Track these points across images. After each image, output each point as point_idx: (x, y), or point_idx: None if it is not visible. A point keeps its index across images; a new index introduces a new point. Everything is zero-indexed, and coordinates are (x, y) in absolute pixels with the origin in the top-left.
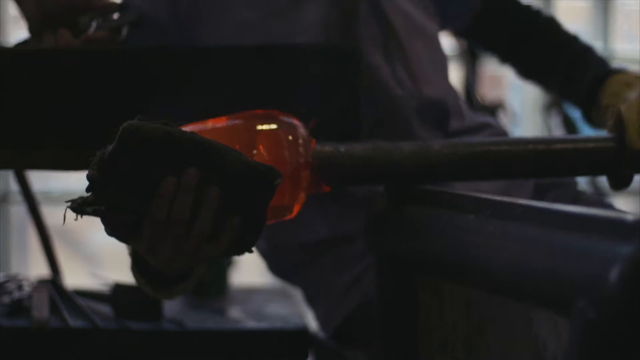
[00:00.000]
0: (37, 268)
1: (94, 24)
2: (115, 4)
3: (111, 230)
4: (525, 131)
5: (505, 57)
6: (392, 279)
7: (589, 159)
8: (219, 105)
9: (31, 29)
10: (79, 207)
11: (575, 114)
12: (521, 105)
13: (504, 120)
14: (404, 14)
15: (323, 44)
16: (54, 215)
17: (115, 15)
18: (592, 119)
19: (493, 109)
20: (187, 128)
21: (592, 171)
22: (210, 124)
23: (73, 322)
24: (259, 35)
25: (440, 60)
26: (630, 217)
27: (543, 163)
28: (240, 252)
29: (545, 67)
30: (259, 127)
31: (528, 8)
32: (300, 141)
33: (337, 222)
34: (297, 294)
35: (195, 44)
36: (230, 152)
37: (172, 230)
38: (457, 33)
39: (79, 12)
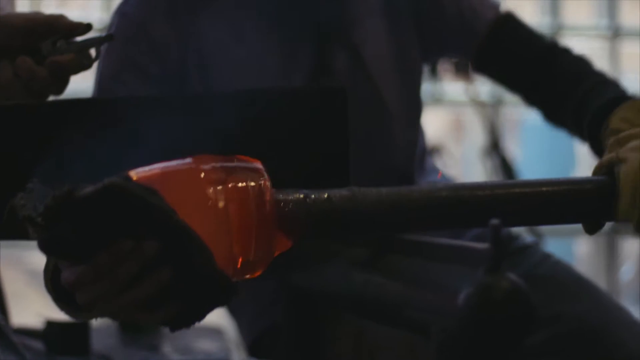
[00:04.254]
0: None
1: (57, 48)
2: (79, 24)
3: (45, 249)
4: (467, 174)
5: (527, 98)
6: (296, 307)
7: (575, 208)
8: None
9: None
10: (23, 210)
11: (514, 156)
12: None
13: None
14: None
15: (307, 86)
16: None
17: (82, 37)
18: (596, 148)
19: (431, 152)
20: (136, 172)
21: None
22: (160, 167)
23: (5, 357)
24: (254, 77)
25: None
26: (479, 247)
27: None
28: (173, 328)
29: (564, 107)
30: (221, 172)
31: (540, 40)
32: (269, 189)
33: None
34: (230, 331)
35: (183, 90)
36: (203, 249)
37: (105, 284)
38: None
39: (39, 37)
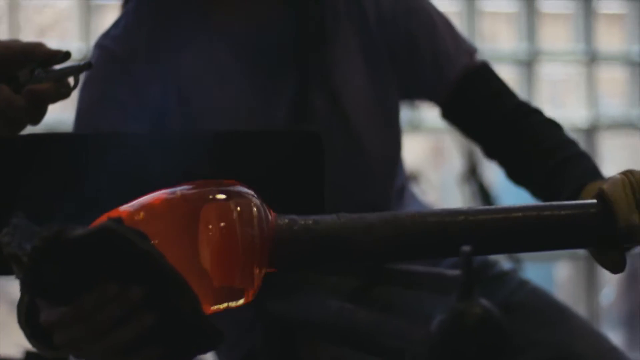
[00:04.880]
0: None
1: (35, 76)
2: (57, 52)
3: (28, 289)
4: (445, 200)
5: (489, 152)
6: (273, 334)
7: (574, 229)
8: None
9: None
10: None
11: (492, 182)
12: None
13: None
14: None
15: (284, 129)
16: None
17: (60, 64)
18: None
19: (409, 178)
20: (123, 208)
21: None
22: (147, 198)
23: None
24: (233, 116)
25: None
26: (450, 273)
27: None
28: None
29: (530, 170)
30: (206, 197)
31: (511, 97)
32: (255, 212)
33: None
34: (208, 357)
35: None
36: (190, 295)
37: (86, 326)
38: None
39: (17, 65)
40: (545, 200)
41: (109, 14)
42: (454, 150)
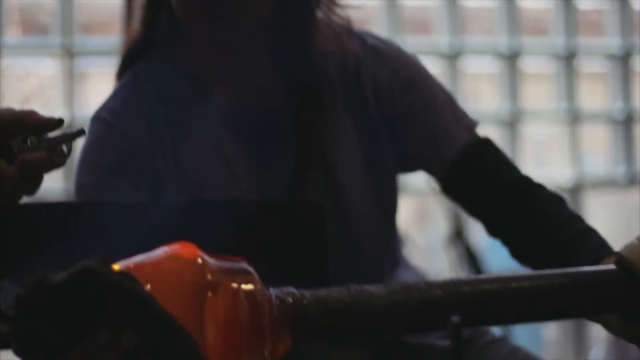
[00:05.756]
0: None
1: (28, 145)
2: (50, 120)
3: (18, 346)
4: (431, 263)
5: (491, 231)
6: None
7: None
8: None
9: None
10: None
11: (478, 244)
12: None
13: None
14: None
15: (284, 198)
16: None
17: (54, 132)
18: None
19: None
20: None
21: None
22: (144, 256)
23: None
24: (229, 189)
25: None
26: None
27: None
28: None
29: (536, 249)
30: (213, 277)
31: (512, 172)
32: (262, 294)
33: None
34: None
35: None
36: (188, 341)
37: None
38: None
39: (9, 134)
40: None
41: (93, 82)
42: (439, 212)
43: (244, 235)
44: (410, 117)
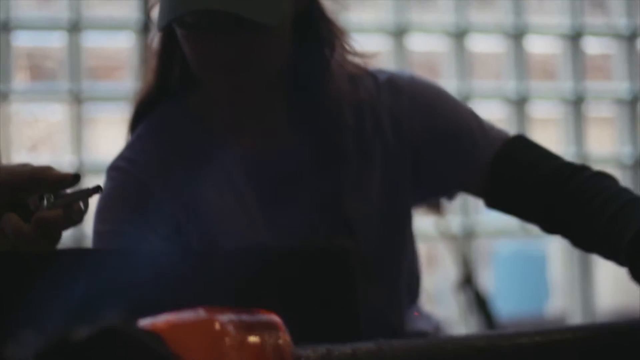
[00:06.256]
0: None
1: (44, 203)
2: (67, 175)
3: None
4: (440, 309)
5: (546, 227)
6: None
7: None
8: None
9: None
10: None
11: (487, 288)
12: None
13: None
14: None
15: (314, 245)
16: None
17: (69, 189)
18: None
19: None
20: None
21: None
22: (169, 317)
23: None
24: (245, 239)
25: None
26: None
27: None
28: None
29: (592, 231)
30: (232, 328)
31: (551, 161)
32: (284, 346)
33: None
34: None
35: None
36: None
37: None
38: (481, 198)
39: (26, 191)
40: (607, 250)
41: (101, 127)
42: (448, 257)
43: (271, 284)
44: (437, 139)
